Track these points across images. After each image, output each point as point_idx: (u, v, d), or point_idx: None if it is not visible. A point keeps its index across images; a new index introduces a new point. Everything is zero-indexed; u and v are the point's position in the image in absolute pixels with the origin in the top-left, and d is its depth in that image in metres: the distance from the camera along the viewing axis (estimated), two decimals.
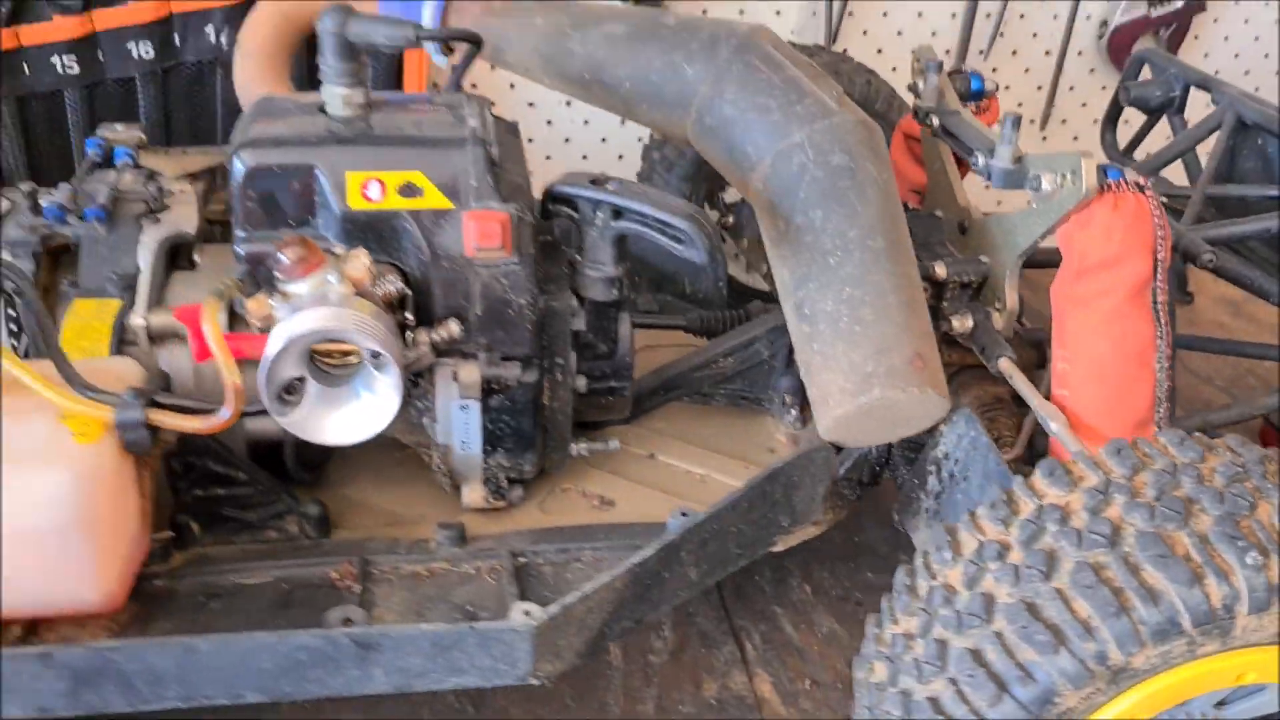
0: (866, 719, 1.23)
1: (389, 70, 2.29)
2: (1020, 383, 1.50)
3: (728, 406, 1.77)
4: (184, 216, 1.62)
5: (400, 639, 1.19)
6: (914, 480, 1.55)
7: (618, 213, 1.44)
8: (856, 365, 1.39)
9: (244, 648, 1.17)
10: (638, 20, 1.64)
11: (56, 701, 1.21)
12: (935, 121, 1.73)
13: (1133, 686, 1.10)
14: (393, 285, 1.31)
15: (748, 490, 1.40)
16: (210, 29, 2.17)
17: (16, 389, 1.27)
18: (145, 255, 1.52)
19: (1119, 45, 2.53)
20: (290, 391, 1.27)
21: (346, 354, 1.30)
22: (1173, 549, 1.08)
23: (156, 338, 1.45)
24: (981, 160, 1.58)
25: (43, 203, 1.54)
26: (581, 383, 1.52)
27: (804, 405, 1.72)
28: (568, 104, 2.46)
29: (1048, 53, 2.54)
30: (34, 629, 1.29)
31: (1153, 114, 2.02)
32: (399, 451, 1.57)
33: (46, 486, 1.20)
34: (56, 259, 1.55)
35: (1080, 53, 2.56)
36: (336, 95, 1.41)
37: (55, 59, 2.13)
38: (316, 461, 1.56)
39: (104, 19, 2.12)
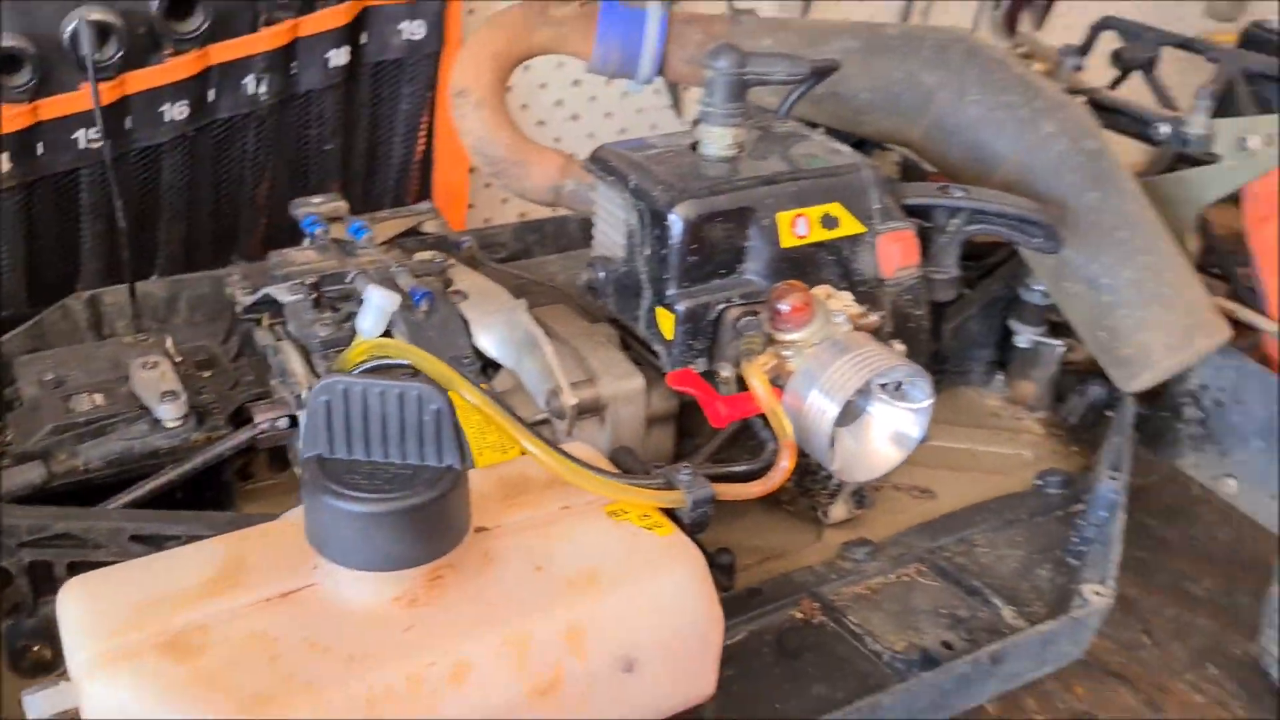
0: None
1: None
2: (1233, 307, 1.76)
3: None
4: (484, 287, 1.50)
5: (1023, 645, 1.24)
6: (1162, 415, 1.77)
7: (971, 217, 1.52)
8: (1175, 323, 1.59)
9: (918, 691, 1.17)
10: (866, 34, 1.71)
11: None
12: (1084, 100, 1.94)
13: None
14: (875, 315, 1.32)
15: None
16: (250, 79, 1.94)
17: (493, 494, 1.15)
18: (501, 334, 1.41)
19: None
20: None
21: None
22: None
23: (580, 414, 1.36)
24: (1166, 128, 1.81)
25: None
26: None
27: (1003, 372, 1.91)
28: (575, 84, 2.41)
29: None
30: None
31: (1127, 73, 2.35)
32: None
33: (669, 592, 1.11)
34: None
35: None
36: (724, 136, 1.38)
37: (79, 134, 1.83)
38: None
39: (136, 81, 1.84)
